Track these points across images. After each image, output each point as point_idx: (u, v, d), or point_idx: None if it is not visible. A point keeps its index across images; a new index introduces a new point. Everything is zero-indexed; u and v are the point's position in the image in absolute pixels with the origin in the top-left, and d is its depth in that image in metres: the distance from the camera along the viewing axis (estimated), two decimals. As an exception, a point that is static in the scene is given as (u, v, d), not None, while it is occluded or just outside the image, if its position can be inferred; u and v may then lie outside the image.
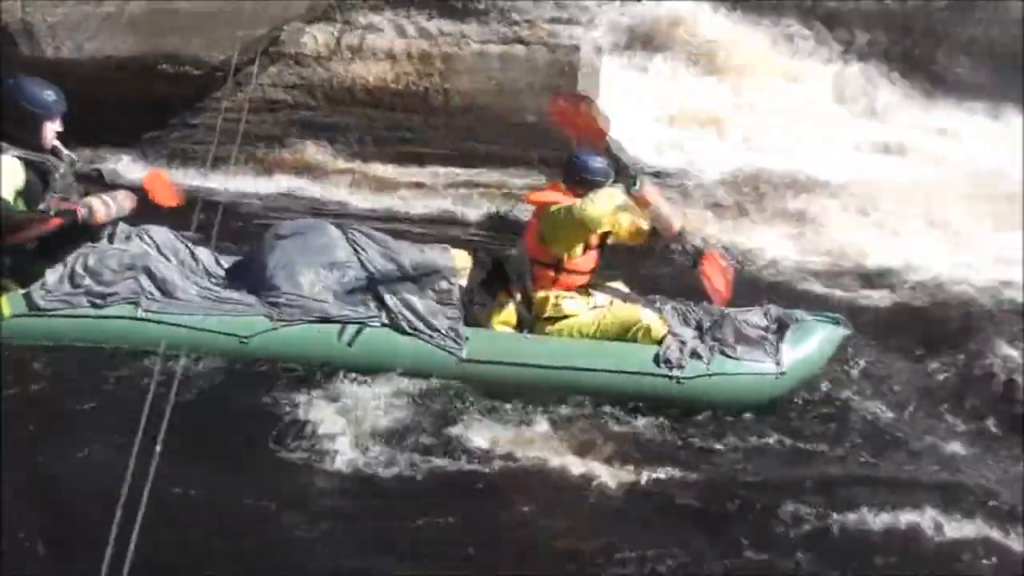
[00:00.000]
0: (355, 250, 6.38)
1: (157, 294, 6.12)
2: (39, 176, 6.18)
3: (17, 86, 6.25)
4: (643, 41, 11.72)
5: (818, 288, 8.75)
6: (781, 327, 6.40)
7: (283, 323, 6.03)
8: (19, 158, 6.15)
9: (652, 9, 11.73)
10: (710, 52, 11.73)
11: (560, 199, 6.26)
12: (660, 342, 6.16)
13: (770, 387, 6.20)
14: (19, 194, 6.11)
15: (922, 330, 7.91)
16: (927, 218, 9.99)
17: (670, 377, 6.01)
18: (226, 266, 6.55)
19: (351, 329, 6.04)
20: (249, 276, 6.33)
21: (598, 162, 6.25)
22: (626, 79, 11.35)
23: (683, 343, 6.16)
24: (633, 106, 10.86)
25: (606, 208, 6.02)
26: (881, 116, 12.00)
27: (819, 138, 11.19)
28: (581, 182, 6.26)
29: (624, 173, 5.99)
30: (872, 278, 9.03)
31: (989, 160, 10.99)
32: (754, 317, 6.50)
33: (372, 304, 6.16)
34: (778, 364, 6.17)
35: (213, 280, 6.40)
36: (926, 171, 10.85)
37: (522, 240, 6.51)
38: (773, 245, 9.49)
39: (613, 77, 11.02)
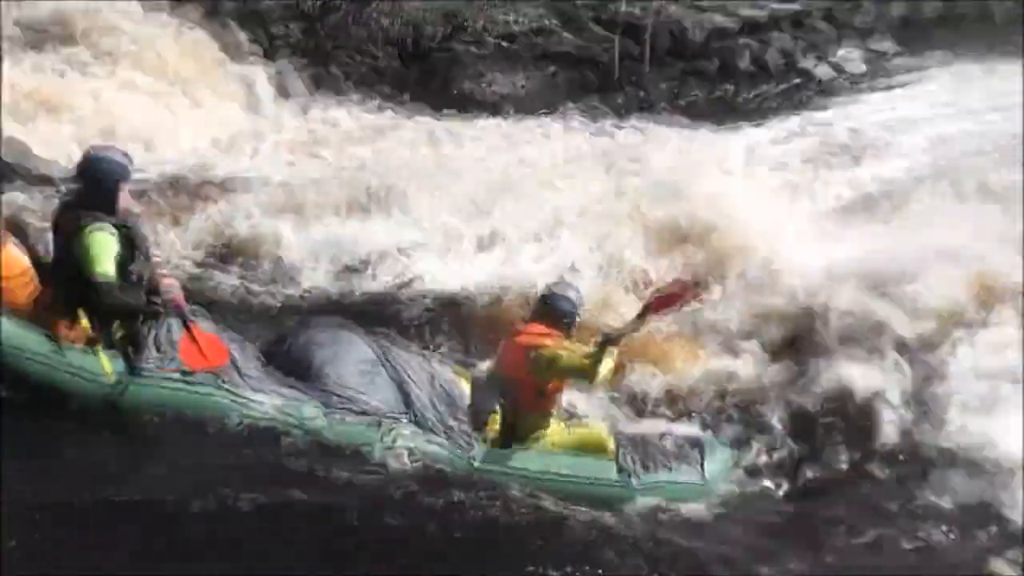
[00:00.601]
0: (381, 355, 7.06)
1: (234, 374, 6.67)
2: (126, 242, 6.20)
3: (94, 153, 6.32)
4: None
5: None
6: (696, 445, 7.44)
7: (331, 411, 6.75)
8: (115, 226, 6.15)
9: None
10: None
11: (548, 341, 6.92)
12: (614, 454, 7.08)
13: (697, 493, 7.26)
14: (118, 265, 6.14)
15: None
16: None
17: (625, 485, 7.07)
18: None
19: (387, 422, 6.75)
20: (295, 368, 6.96)
21: (571, 303, 7.12)
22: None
23: (634, 459, 7.11)
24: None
25: (609, 366, 6.83)
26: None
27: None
28: (561, 320, 7.07)
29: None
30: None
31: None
32: (674, 433, 7.69)
33: (400, 402, 6.90)
34: (703, 477, 7.36)
35: (265, 367, 6.95)
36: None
37: (500, 364, 7.23)
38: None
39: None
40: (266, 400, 6.60)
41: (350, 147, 14.94)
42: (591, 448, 7.12)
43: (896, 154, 14.80)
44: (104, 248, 6.09)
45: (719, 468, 7.54)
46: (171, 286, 6.59)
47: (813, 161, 14.54)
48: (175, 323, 6.45)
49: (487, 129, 16.49)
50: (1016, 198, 11.33)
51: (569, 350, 6.84)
